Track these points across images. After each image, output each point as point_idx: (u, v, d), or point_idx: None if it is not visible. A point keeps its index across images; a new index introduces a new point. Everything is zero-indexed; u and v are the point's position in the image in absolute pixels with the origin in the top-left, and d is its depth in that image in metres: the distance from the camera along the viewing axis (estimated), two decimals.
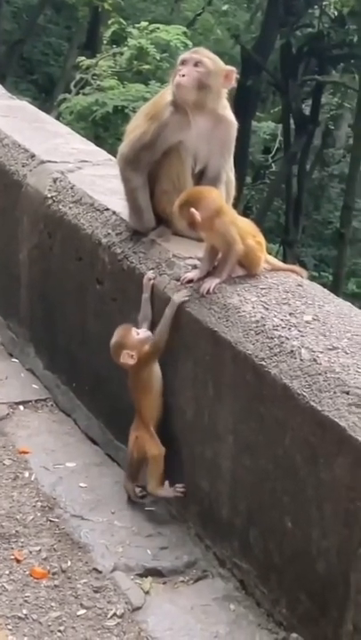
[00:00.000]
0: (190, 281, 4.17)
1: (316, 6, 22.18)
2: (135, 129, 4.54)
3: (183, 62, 4.35)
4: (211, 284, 4.06)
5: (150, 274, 4.34)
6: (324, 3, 21.68)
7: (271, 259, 4.29)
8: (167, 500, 4.34)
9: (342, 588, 3.41)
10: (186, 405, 4.19)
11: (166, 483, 4.27)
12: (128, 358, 4.25)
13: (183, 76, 4.31)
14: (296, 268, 4.35)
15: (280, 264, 4.34)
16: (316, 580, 3.53)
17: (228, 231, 4.04)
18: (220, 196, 4.24)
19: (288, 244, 22.31)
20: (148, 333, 4.26)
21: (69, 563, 4.12)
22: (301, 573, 3.60)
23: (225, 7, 24.37)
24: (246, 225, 4.18)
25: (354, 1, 20.71)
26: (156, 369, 4.27)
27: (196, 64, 4.32)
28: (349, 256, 23.33)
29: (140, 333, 4.28)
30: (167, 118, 4.41)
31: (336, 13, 22.00)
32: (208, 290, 4.05)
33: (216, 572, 4.06)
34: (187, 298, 4.12)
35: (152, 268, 4.40)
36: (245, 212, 24.94)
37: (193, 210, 4.01)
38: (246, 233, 4.11)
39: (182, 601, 3.95)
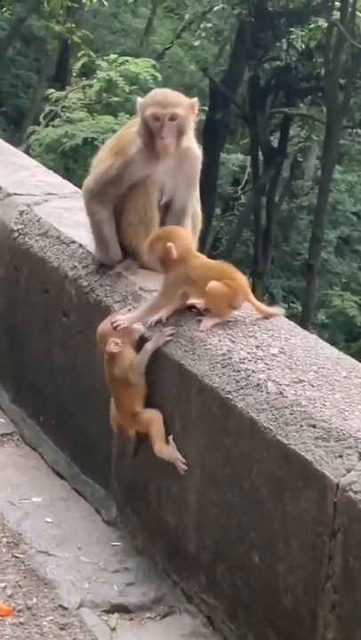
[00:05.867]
0: (159, 321, 4.09)
1: (283, 39, 22.41)
2: (101, 163, 4.54)
3: (157, 118, 4.32)
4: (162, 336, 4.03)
5: (128, 308, 4.25)
6: (291, 36, 21.91)
7: (255, 301, 4.10)
8: (133, 535, 4.31)
9: (309, 623, 3.38)
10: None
11: (170, 440, 4.03)
12: (114, 346, 4.11)
13: (165, 137, 4.30)
14: (277, 310, 4.15)
15: (263, 307, 4.12)
16: (283, 616, 3.51)
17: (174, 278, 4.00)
18: (191, 237, 4.22)
19: (257, 276, 22.40)
20: (141, 328, 4.15)
21: (35, 599, 4.07)
22: (269, 609, 3.58)
23: (197, 43, 24.55)
24: (218, 268, 4.08)
25: (321, 34, 20.96)
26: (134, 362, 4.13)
27: (172, 118, 4.33)
28: (318, 287, 23.47)
29: (135, 325, 4.13)
30: (134, 154, 4.41)
31: (303, 47, 22.25)
32: (165, 336, 4.02)
33: (183, 607, 4.02)
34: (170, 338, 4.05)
35: (118, 301, 4.38)
36: (215, 244, 25.10)
37: (170, 244, 3.99)
38: (217, 276, 4.00)
39: (149, 637, 3.90)
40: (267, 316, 4.06)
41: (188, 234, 4.23)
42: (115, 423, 4.28)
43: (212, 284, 3.97)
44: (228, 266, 4.10)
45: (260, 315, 4.07)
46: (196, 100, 4.44)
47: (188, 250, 4.07)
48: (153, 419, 4.08)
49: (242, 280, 4.04)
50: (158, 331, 4.07)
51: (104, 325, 4.18)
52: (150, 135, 4.34)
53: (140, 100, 4.44)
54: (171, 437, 4.01)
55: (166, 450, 4.01)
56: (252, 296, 4.06)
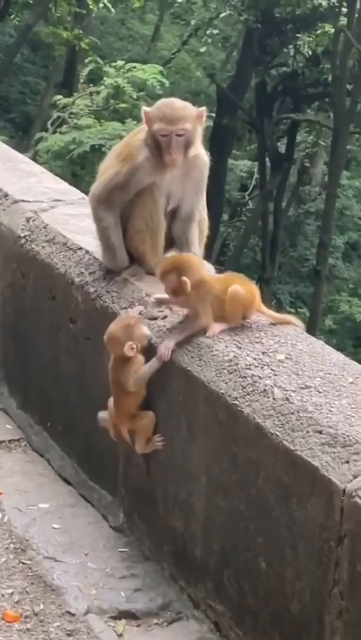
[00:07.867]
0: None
1: (290, 45, 22.43)
2: (108, 169, 4.55)
3: (164, 135, 4.32)
4: (167, 346, 4.02)
5: (140, 308, 4.28)
6: (298, 42, 21.93)
7: (267, 310, 4.14)
8: (140, 541, 4.31)
9: (317, 629, 3.38)
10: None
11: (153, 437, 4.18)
12: (129, 350, 4.08)
13: (172, 152, 4.31)
14: (292, 318, 4.19)
15: (276, 314, 4.17)
16: (290, 622, 3.50)
17: (202, 302, 4.01)
18: (202, 264, 4.21)
19: (265, 281, 22.39)
20: (150, 333, 4.15)
21: (42, 605, 4.07)
22: (276, 614, 3.58)
23: (203, 49, 24.59)
24: (230, 279, 4.11)
25: (328, 40, 20.98)
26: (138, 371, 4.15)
27: (179, 134, 4.33)
28: (326, 293, 23.46)
29: (146, 330, 4.15)
30: (141, 161, 4.41)
31: (311, 52, 22.28)
32: (165, 355, 4.02)
33: (190, 613, 4.02)
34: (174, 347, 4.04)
35: (125, 308, 4.39)
36: (222, 250, 25.11)
37: (185, 279, 3.97)
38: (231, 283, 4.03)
39: None
40: (281, 324, 4.08)
41: (196, 260, 4.20)
42: (111, 426, 4.30)
43: (235, 288, 3.99)
44: (240, 275, 4.15)
45: (274, 321, 4.08)
46: (204, 109, 4.42)
47: (200, 277, 4.05)
48: (147, 420, 4.15)
49: (256, 290, 4.08)
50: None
51: (115, 327, 4.18)
52: (157, 147, 4.35)
53: (146, 109, 4.43)
54: (154, 436, 4.15)
55: (148, 447, 4.17)
56: (263, 306, 4.09)
